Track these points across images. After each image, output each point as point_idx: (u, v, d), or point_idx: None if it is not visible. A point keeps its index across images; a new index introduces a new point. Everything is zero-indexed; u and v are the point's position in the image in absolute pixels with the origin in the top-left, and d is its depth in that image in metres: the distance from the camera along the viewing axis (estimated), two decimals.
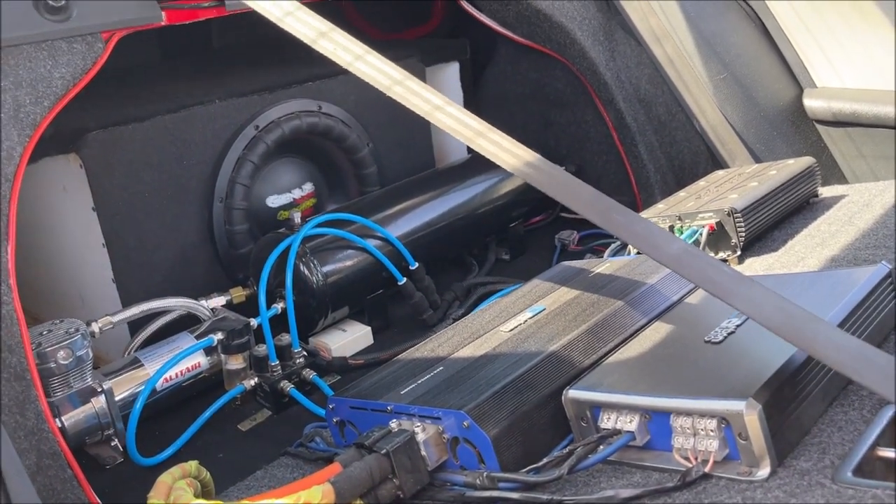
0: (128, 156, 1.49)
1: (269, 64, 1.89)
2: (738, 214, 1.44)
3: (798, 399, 0.84)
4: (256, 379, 1.39)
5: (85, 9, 1.21)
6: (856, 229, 1.47)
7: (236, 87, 1.66)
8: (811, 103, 1.94)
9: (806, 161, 1.66)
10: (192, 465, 1.01)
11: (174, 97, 1.60)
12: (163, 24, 1.31)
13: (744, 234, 1.45)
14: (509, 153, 0.95)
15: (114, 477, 1.24)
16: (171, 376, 1.35)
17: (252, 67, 1.89)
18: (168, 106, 1.55)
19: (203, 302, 1.49)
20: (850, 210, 1.58)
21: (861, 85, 1.91)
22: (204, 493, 1.00)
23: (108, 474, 1.25)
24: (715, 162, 1.91)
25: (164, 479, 0.96)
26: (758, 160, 1.88)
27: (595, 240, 1.86)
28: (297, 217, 1.55)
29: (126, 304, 1.45)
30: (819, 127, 1.95)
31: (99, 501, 1.07)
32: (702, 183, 1.72)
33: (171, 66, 2.07)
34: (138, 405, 1.26)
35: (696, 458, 0.84)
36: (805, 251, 1.43)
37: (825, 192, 1.72)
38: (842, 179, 1.96)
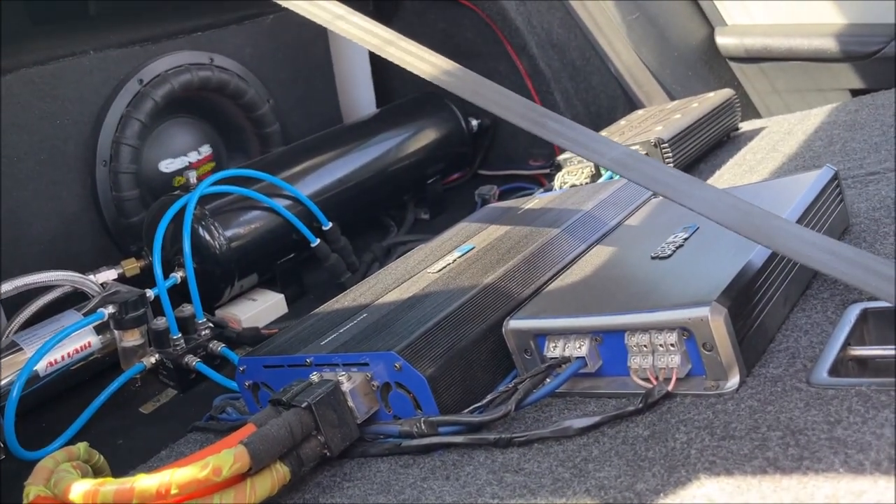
0: None
1: (151, 13, 1.71)
2: (665, 144, 1.38)
3: (760, 305, 0.77)
4: (157, 355, 1.24)
5: None
6: (781, 155, 1.43)
7: (114, 38, 1.49)
8: (723, 41, 1.91)
9: (726, 93, 1.63)
10: (81, 447, 0.88)
11: (42, 48, 1.42)
12: None
13: (671, 165, 1.39)
14: (424, 61, 0.84)
15: None
16: (56, 359, 1.18)
17: (132, 18, 1.70)
18: (34, 57, 1.37)
19: (91, 276, 1.32)
20: (773, 139, 1.54)
21: (770, 21, 1.89)
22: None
23: None
24: (631, 105, 1.86)
25: (45, 463, 0.82)
26: (674, 100, 1.83)
27: (516, 193, 1.77)
28: (192, 177, 1.40)
29: None
30: (732, 64, 1.92)
31: None
32: (622, 122, 1.66)
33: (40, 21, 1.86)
34: (15, 392, 1.09)
35: (656, 378, 0.75)
36: (734, 178, 1.39)
37: (743, 126, 1.69)
38: (756, 116, 1.94)
